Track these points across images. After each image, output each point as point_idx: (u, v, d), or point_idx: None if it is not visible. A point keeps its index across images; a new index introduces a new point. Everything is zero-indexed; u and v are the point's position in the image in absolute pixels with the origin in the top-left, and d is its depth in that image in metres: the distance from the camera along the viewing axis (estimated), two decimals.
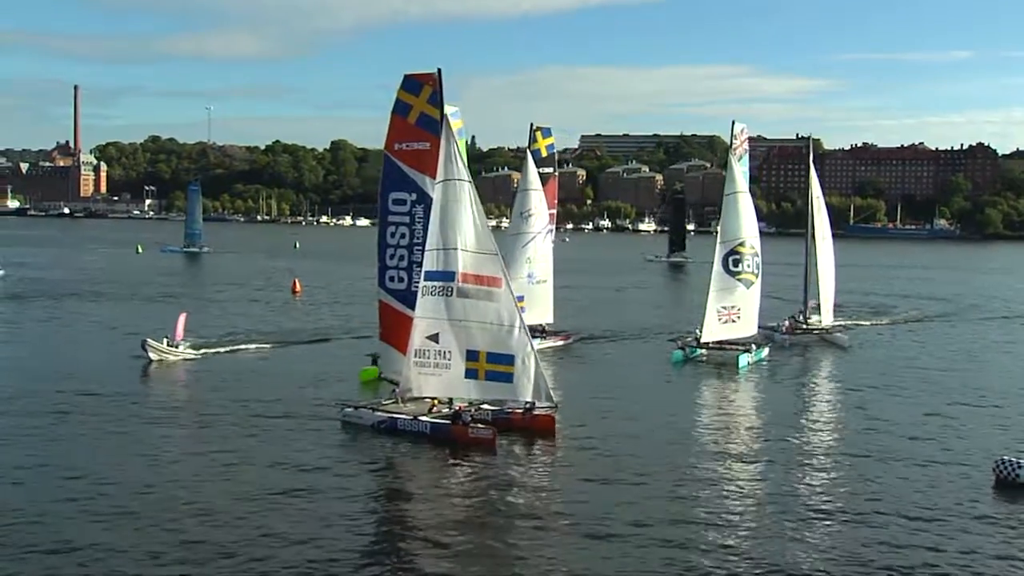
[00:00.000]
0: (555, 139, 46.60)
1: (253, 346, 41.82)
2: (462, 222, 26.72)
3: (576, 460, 24.70)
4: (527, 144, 45.45)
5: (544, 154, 44.86)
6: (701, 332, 41.07)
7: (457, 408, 26.84)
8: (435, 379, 27.19)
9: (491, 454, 24.74)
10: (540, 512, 20.70)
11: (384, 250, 29.65)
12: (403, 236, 29.17)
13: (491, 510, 21.01)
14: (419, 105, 28.43)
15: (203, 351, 38.93)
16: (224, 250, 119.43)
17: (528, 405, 26.98)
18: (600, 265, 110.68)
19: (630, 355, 43.69)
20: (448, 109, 32.24)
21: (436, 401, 27.58)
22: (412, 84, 28.51)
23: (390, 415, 27.19)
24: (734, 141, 42.69)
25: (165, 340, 37.77)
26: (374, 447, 25.80)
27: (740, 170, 42.42)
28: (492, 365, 26.63)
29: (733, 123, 42.83)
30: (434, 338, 26.91)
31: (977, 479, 23.02)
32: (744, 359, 39.33)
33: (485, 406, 27.62)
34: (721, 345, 41.19)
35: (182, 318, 39.00)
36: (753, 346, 40.89)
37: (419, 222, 28.58)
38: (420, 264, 27.90)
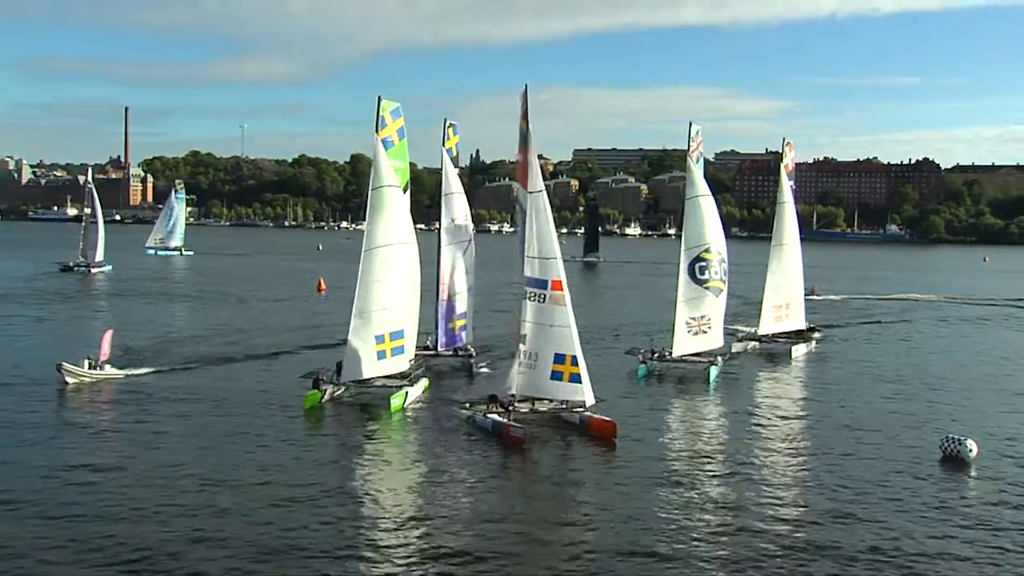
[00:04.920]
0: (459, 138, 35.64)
1: (195, 365, 34.00)
2: (545, 231, 25.67)
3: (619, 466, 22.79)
4: (442, 142, 34.48)
5: (455, 153, 35.33)
6: (672, 344, 35.10)
7: (508, 405, 25.64)
8: (522, 378, 26.01)
9: (521, 452, 23.49)
10: (563, 511, 19.40)
11: None
12: None
13: (490, 503, 19.72)
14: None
15: (127, 371, 31.37)
16: (257, 252, 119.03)
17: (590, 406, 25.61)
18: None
19: (591, 367, 35.17)
20: (390, 106, 28.86)
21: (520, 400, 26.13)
22: None
23: (475, 411, 26.26)
24: (691, 144, 36.21)
25: (87, 361, 30.25)
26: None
27: (700, 173, 36.21)
28: (575, 367, 25.40)
29: (691, 124, 36.12)
30: (526, 340, 25.86)
31: (926, 455, 23.67)
32: (714, 371, 33.91)
33: (578, 409, 25.91)
34: (683, 357, 35.15)
35: (107, 335, 31.74)
36: (718, 358, 35.05)
37: None
38: None
